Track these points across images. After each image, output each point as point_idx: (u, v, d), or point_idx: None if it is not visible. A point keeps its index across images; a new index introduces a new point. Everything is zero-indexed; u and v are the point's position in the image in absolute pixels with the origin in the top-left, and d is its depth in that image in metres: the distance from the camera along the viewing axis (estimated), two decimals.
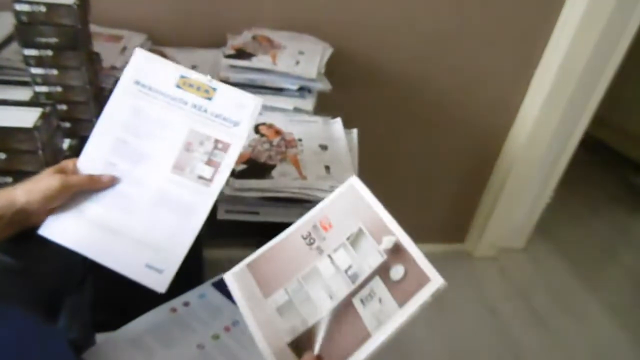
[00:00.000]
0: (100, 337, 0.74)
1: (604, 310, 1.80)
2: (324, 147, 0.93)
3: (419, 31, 1.40)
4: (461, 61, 1.48)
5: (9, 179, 0.74)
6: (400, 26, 1.37)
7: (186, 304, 0.77)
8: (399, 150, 1.64)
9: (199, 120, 0.69)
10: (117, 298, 0.66)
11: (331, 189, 0.84)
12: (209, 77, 0.70)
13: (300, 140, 0.94)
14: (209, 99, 0.69)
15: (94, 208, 0.67)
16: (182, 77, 0.70)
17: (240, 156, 0.87)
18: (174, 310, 0.76)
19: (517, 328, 1.70)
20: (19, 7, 0.81)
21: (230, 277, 0.65)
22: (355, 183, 0.68)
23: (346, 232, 0.63)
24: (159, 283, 0.65)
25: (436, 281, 0.55)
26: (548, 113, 1.58)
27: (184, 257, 0.66)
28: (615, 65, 1.58)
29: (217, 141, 0.69)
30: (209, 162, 0.68)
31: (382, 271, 0.58)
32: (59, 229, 0.66)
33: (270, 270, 0.64)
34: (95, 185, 0.67)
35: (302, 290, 0.61)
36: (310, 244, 0.64)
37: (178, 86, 0.70)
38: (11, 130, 0.71)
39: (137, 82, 0.70)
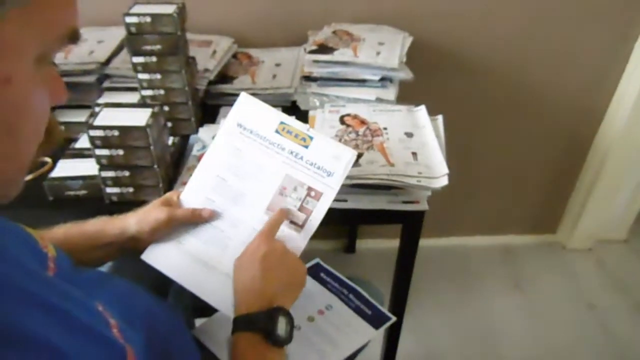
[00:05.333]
0: (199, 322, 0.80)
1: None
2: (409, 135, 0.93)
3: (502, 12, 1.35)
4: (550, 39, 1.40)
5: (127, 173, 0.83)
6: (481, 9, 1.34)
7: None
8: (485, 138, 1.59)
9: (295, 166, 0.71)
10: None
11: (419, 175, 0.85)
12: (307, 126, 0.71)
13: (385, 129, 0.95)
14: (306, 147, 0.71)
15: (191, 240, 0.71)
16: (282, 123, 0.72)
17: None
18: None
19: (618, 324, 1.59)
20: (128, 19, 0.91)
21: None
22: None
23: None
24: None
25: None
26: None
27: None
28: None
29: (310, 189, 0.70)
30: (301, 209, 0.70)
31: None
32: (158, 257, 0.71)
33: None
34: (195, 219, 0.71)
35: None
36: None
37: (277, 131, 0.71)
38: (128, 128, 0.80)
39: (240, 125, 0.73)
